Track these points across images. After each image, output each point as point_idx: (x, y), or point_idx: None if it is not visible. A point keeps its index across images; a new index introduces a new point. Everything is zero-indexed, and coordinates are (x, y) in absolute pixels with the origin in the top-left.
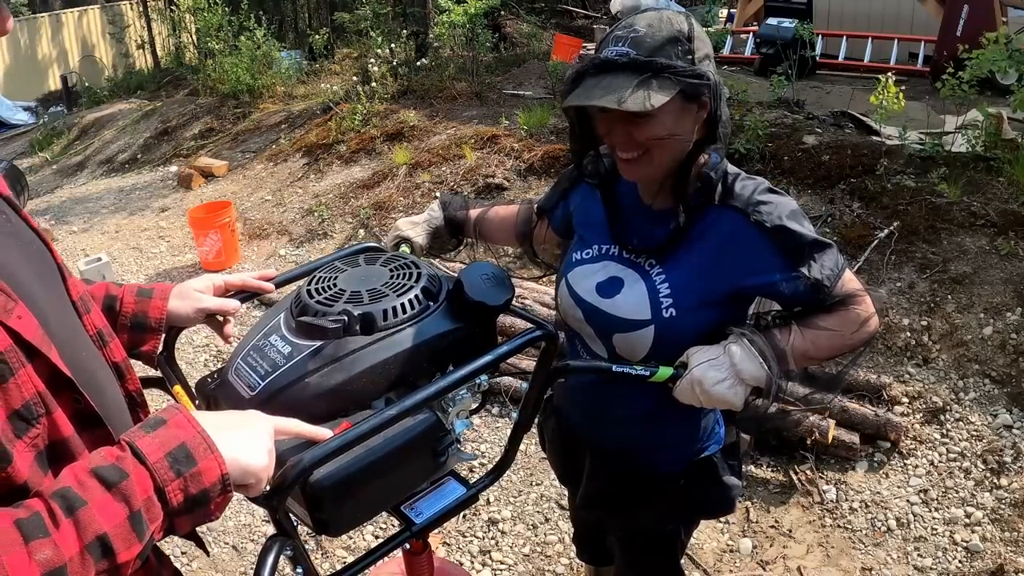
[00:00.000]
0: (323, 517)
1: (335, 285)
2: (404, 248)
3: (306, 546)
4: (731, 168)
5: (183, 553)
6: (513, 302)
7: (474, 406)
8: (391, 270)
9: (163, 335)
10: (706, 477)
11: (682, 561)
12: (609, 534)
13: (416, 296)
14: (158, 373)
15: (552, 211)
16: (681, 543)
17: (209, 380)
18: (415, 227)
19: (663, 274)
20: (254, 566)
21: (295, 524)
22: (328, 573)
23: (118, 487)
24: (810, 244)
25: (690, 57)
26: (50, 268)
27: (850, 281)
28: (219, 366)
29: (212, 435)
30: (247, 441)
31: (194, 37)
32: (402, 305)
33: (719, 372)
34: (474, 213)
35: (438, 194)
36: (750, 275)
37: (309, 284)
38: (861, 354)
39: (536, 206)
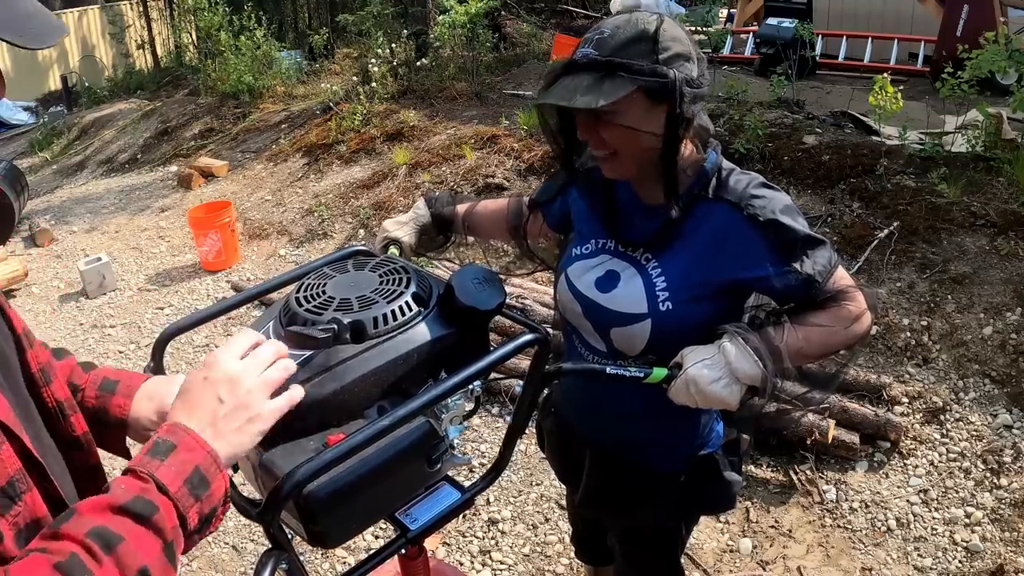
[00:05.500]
0: (318, 530)
1: (324, 292)
2: (393, 250)
3: (306, 546)
4: (726, 163)
5: (183, 553)
6: (509, 303)
7: (469, 408)
8: (381, 276)
9: (126, 431)
10: (707, 474)
11: (682, 560)
12: (609, 533)
13: (406, 302)
14: None
15: (547, 205)
16: (681, 540)
17: None
18: (402, 227)
19: (659, 267)
20: (253, 569)
21: (290, 536)
22: None
23: (151, 520)
24: (803, 240)
25: (654, 56)
26: (7, 342)
27: (842, 278)
28: None
29: (215, 447)
30: (242, 432)
31: (194, 37)
32: (392, 312)
33: (714, 371)
34: (462, 208)
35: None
36: (743, 268)
37: (298, 292)
38: (857, 352)
39: (529, 199)
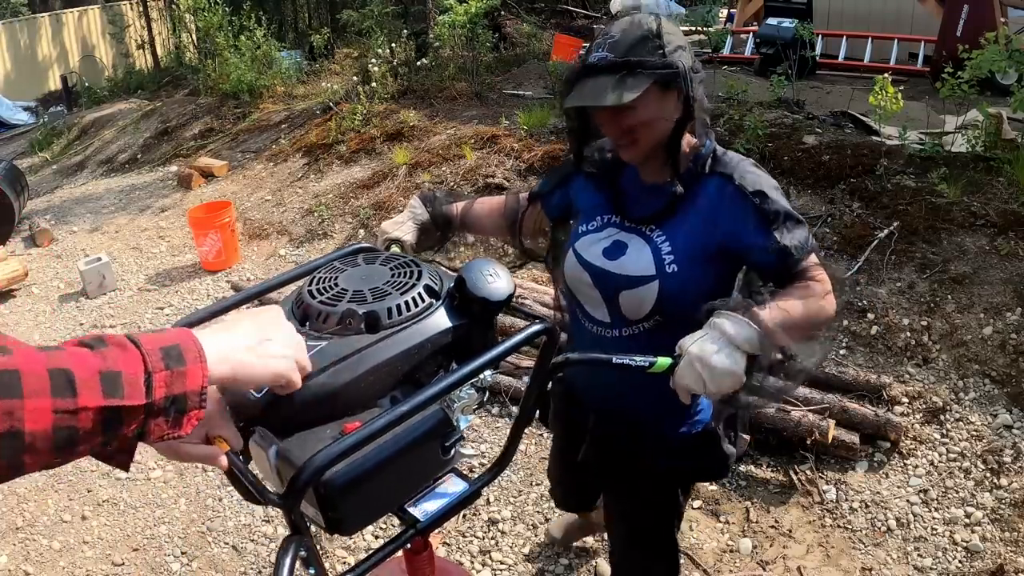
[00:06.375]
0: (336, 516)
1: (337, 284)
2: (395, 248)
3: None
4: (720, 147)
5: (183, 553)
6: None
7: (477, 399)
8: (392, 268)
9: None
10: (706, 443)
11: (681, 560)
12: (606, 500)
13: (419, 293)
14: None
15: (548, 196)
16: (679, 510)
17: None
18: (401, 227)
19: (663, 235)
20: (263, 567)
21: (307, 524)
22: (335, 574)
23: (99, 350)
24: (784, 213)
25: (661, 51)
26: None
27: (814, 263)
28: None
29: (204, 343)
30: (252, 354)
31: (194, 37)
32: (406, 303)
33: (714, 344)
34: (459, 206)
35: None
36: (733, 233)
37: (310, 284)
38: (826, 341)
39: (530, 192)
